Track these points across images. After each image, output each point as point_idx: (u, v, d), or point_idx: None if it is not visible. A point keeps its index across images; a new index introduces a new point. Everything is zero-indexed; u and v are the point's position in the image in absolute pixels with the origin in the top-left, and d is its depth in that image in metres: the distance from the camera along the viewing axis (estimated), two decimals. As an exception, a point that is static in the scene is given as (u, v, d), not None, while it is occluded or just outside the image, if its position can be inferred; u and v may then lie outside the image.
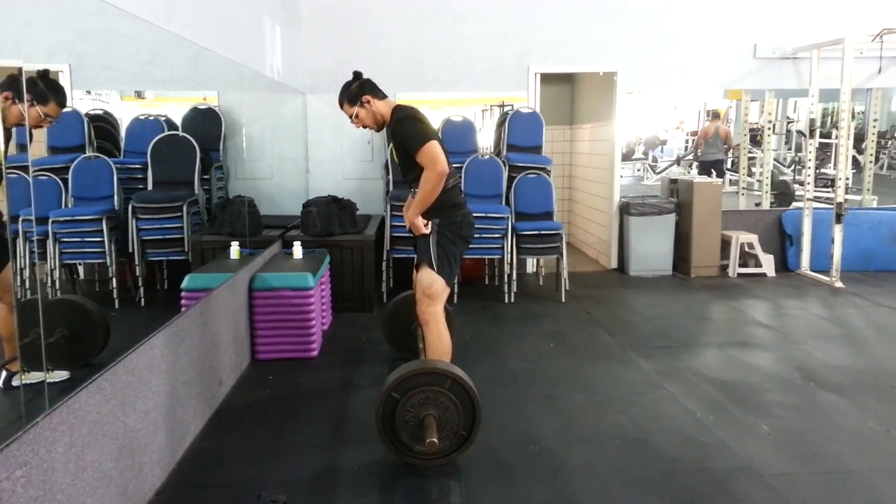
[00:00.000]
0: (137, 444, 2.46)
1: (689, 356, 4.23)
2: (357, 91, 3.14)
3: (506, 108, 6.81)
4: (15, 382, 2.21)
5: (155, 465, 2.62)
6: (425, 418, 2.76)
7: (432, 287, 3.10)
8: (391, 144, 3.27)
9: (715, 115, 11.32)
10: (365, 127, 3.18)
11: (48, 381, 2.53)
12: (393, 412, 2.79)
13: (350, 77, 3.24)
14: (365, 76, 3.22)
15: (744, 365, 4.07)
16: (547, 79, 6.73)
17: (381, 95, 3.16)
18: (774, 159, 9.84)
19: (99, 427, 2.17)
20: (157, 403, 2.65)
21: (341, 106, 3.20)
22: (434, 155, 2.96)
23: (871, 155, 7.26)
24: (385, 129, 3.23)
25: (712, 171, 9.55)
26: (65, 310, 3.16)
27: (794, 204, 7.84)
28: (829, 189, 9.20)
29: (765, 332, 4.76)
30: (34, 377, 2.44)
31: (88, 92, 3.99)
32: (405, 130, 3.03)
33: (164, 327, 2.80)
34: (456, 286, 5.25)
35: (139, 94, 4.59)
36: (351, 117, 3.18)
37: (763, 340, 4.55)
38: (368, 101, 3.11)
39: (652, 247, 6.49)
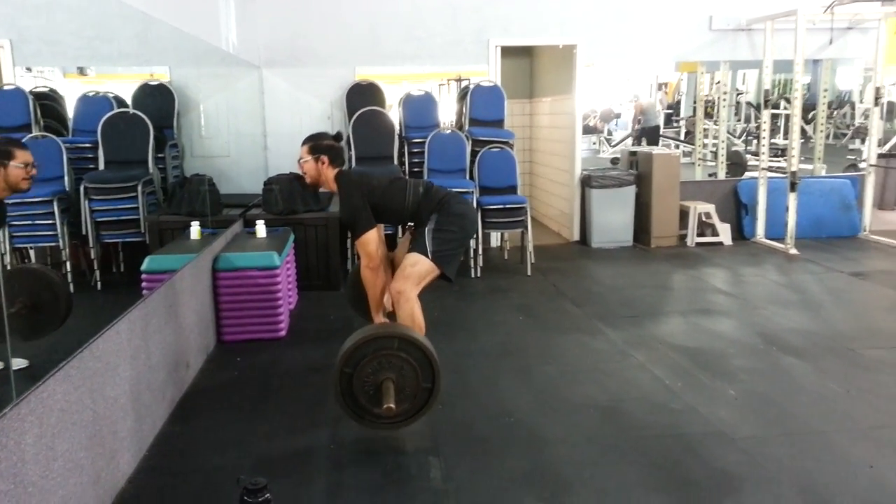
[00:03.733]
0: (108, 432, 2.39)
1: (655, 325, 4.31)
2: (324, 148, 3.20)
3: (463, 83, 6.76)
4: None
5: (126, 452, 2.55)
6: (383, 383, 2.74)
7: (416, 266, 3.03)
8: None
9: (657, 89, 12.05)
10: (304, 175, 3.26)
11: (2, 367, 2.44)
12: (351, 387, 2.76)
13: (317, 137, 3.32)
14: (335, 142, 3.28)
15: (707, 332, 4.16)
16: (507, 52, 6.68)
17: (338, 164, 3.22)
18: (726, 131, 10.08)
19: (68, 416, 2.10)
20: (125, 390, 2.57)
21: (303, 144, 3.26)
22: (368, 252, 3.09)
23: (823, 125, 7.44)
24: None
25: (650, 140, 10.53)
26: (26, 279, 3.04)
27: (748, 174, 8.01)
28: (780, 159, 9.44)
29: (725, 299, 4.87)
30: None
31: (29, 69, 3.81)
32: (347, 211, 3.13)
33: (129, 311, 2.71)
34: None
35: (82, 71, 4.40)
36: (300, 160, 3.23)
37: (724, 307, 4.66)
38: (323, 163, 3.17)
39: (613, 219, 6.56)
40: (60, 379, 2.07)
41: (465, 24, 6.36)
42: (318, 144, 3.20)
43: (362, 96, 6.10)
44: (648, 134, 11.71)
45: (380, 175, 3.29)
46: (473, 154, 5.85)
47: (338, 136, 3.31)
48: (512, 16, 6.41)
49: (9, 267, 3.17)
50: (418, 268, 3.03)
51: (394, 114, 6.23)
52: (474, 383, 3.45)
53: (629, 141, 13.50)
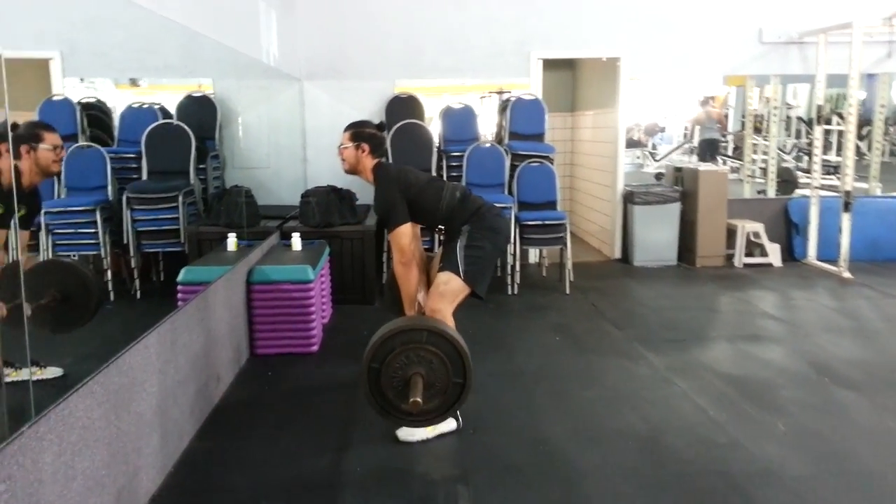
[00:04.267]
0: (131, 449, 2.35)
1: (699, 350, 4.13)
2: (366, 136, 3.11)
3: (504, 95, 6.68)
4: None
5: (150, 469, 2.51)
6: (412, 378, 2.65)
7: (449, 284, 2.94)
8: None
9: (704, 102, 11.51)
10: (343, 161, 3.17)
11: (38, 377, 2.43)
12: (379, 382, 2.69)
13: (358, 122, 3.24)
14: (378, 131, 3.20)
15: (755, 359, 3.97)
16: (549, 64, 6.58)
17: (378, 155, 3.14)
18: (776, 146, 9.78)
19: (90, 433, 2.06)
20: (151, 405, 2.54)
21: (345, 130, 3.18)
22: (400, 245, 2.99)
23: (879, 142, 7.13)
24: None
25: (708, 152, 9.92)
26: (57, 271, 3.06)
27: (798, 191, 7.72)
28: (833, 176, 9.08)
29: (775, 324, 4.66)
30: (25, 375, 2.34)
31: (82, 80, 3.87)
32: (381, 204, 3.05)
33: (158, 325, 2.68)
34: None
35: (134, 82, 4.47)
36: (340, 146, 3.15)
37: (773, 333, 4.45)
38: (364, 151, 3.09)
39: (657, 236, 6.38)
40: (83, 395, 2.03)
41: (505, 36, 6.28)
42: (360, 132, 3.12)
43: (401, 109, 6.07)
44: (705, 147, 11.25)
45: (419, 173, 3.20)
46: (513, 168, 5.76)
47: (381, 126, 3.23)
48: (554, 28, 6.31)
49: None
50: (451, 286, 2.94)
51: (434, 126, 6.18)
52: (507, 407, 3.33)
53: (674, 155, 13.23)
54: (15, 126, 2.23)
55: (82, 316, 2.85)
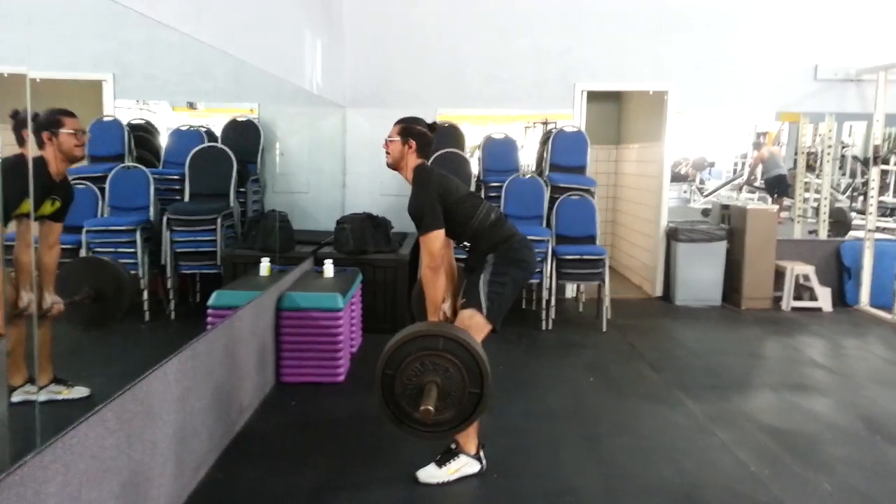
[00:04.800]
0: (143, 479, 2.30)
1: (742, 399, 3.93)
2: (416, 133, 3.03)
3: (549, 126, 6.61)
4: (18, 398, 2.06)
5: (162, 500, 2.46)
6: (426, 386, 2.55)
7: (473, 319, 2.85)
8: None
9: (757, 145, 11.34)
10: (387, 154, 3.06)
11: (65, 397, 2.41)
12: (392, 389, 2.59)
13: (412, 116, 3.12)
14: (429, 131, 3.09)
15: (801, 411, 3.75)
16: (593, 96, 6.49)
17: (423, 155, 3.06)
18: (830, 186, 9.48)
19: (100, 462, 2.02)
20: (167, 434, 2.50)
21: (396, 124, 3.09)
22: (431, 250, 2.87)
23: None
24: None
25: (776, 189, 9.88)
26: (91, 268, 3.06)
27: (851, 233, 7.42)
28: (889, 219, 8.72)
29: (823, 373, 4.42)
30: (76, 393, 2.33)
31: (137, 101, 3.94)
32: (417, 205, 2.94)
33: (179, 351, 2.65)
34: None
35: (191, 105, 4.54)
36: (388, 139, 3.05)
37: (821, 383, 4.22)
38: (410, 147, 3.01)
39: (701, 275, 6.17)
40: (94, 423, 2.00)
41: (550, 66, 6.22)
42: (410, 128, 3.03)
43: (442, 137, 6.01)
44: (773, 184, 10.78)
45: (460, 184, 3.10)
46: (552, 201, 5.65)
47: (432, 127, 3.12)
48: (599, 59, 6.23)
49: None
50: (475, 321, 2.86)
51: (475, 156, 6.14)
52: (535, 450, 3.20)
53: (723, 191, 12.93)
54: (35, 116, 2.23)
55: (115, 314, 2.85)
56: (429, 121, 3.12)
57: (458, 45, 6.22)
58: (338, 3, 6.05)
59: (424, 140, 3.03)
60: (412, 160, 3.01)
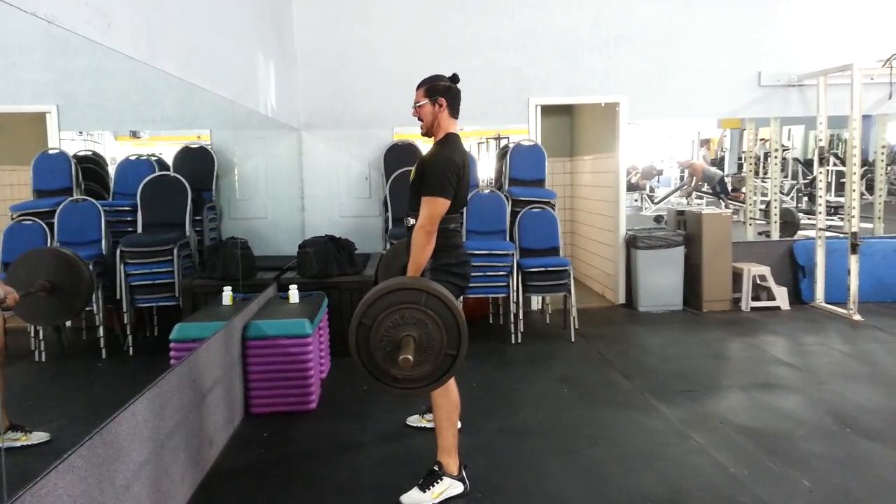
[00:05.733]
0: (116, 526, 2.19)
1: (713, 401, 3.98)
2: (442, 89, 2.87)
3: (503, 141, 6.65)
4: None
5: (136, 547, 2.34)
6: (403, 339, 2.46)
7: None
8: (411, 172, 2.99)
9: (682, 165, 12.53)
10: (419, 121, 2.91)
11: (24, 443, 2.28)
12: (368, 341, 2.49)
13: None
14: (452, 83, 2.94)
15: (772, 409, 3.81)
16: (547, 110, 6.57)
17: (454, 114, 2.91)
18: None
19: (70, 512, 1.91)
20: (138, 476, 2.38)
21: (418, 88, 2.93)
22: (433, 213, 2.72)
23: (883, 182, 7.08)
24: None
25: (720, 193, 10.90)
26: (46, 259, 2.92)
27: (800, 233, 7.65)
28: (835, 217, 9.03)
29: (788, 371, 4.51)
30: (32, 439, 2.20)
31: (80, 132, 3.81)
32: (434, 169, 2.77)
33: (147, 389, 2.54)
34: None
35: (134, 134, 4.41)
36: (415, 105, 2.91)
37: (788, 381, 4.30)
38: (441, 106, 2.85)
39: (661, 281, 6.26)
40: (63, 472, 1.89)
41: (504, 83, 6.28)
42: (435, 86, 2.86)
43: (400, 156, 6.02)
44: (718, 188, 11.80)
45: (468, 181, 2.98)
46: (514, 214, 5.68)
47: (455, 78, 2.96)
48: (552, 75, 6.31)
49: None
50: None
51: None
52: (515, 467, 3.16)
53: (673, 198, 13.25)
54: None
55: (73, 306, 2.73)
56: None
57: (413, 65, 6.20)
58: (289, 25, 6.00)
59: (453, 94, 2.87)
60: (445, 121, 2.86)
